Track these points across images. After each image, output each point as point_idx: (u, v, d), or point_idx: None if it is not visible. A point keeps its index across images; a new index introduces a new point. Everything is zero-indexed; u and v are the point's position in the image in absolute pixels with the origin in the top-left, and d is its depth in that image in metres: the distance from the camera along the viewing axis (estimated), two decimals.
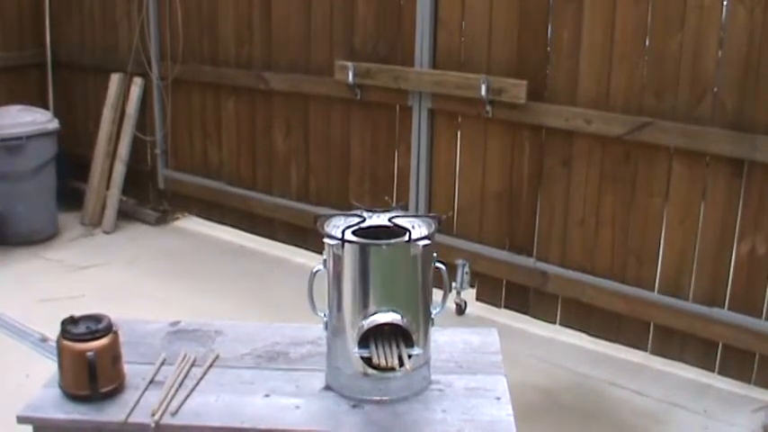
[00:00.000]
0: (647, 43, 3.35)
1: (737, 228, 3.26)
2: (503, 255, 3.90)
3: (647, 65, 3.37)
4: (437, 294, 1.80)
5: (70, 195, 5.42)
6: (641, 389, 3.39)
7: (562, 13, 3.54)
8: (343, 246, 1.67)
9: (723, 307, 3.33)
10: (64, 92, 5.70)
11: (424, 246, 1.69)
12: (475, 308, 4.07)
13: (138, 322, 2.16)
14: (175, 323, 2.15)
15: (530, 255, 3.83)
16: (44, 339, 3.64)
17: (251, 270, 4.63)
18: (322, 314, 1.79)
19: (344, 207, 4.42)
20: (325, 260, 1.73)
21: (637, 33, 3.37)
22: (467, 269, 3.99)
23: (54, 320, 3.80)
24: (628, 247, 3.55)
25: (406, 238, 1.67)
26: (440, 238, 4.08)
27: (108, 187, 5.29)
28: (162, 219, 5.32)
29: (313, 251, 4.57)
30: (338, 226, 1.77)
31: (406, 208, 4.13)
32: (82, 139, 5.56)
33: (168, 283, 4.39)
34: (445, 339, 2.01)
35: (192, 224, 5.31)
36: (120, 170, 5.25)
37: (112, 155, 5.29)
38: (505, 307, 3.99)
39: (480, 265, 3.97)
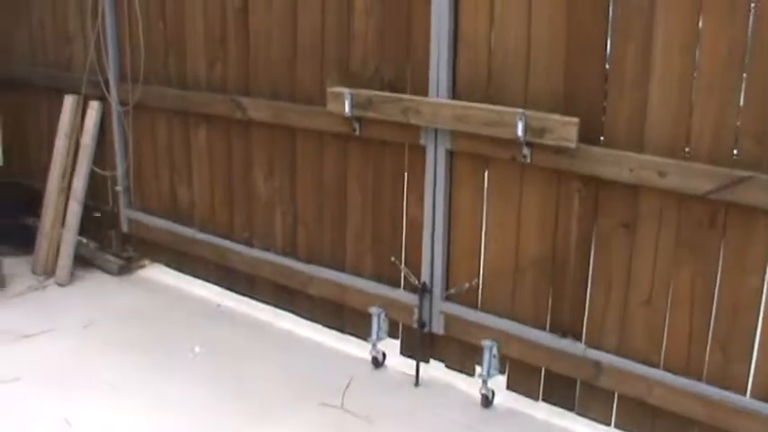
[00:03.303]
0: (744, 71, 2.50)
1: None
2: (542, 337, 3.08)
3: (744, 100, 2.51)
4: None
5: (23, 234, 4.68)
6: None
7: (627, 28, 2.69)
8: None
9: None
10: (13, 114, 4.98)
11: None
12: (505, 398, 3.28)
13: None
14: None
15: (578, 339, 3.03)
16: None
17: (227, 340, 3.80)
18: None
19: (340, 266, 3.63)
20: None
21: (731, 57, 2.51)
22: (495, 352, 3.18)
23: None
24: (710, 337, 2.74)
25: None
26: (462, 312, 3.30)
27: (63, 231, 4.45)
28: (125, 267, 4.52)
29: (300, 316, 3.78)
30: None
31: (424, 288, 3.30)
32: (35, 168, 4.86)
33: (126, 361, 3.58)
34: None
35: (160, 274, 4.49)
36: (75, 211, 4.41)
37: (67, 192, 4.45)
38: (544, 400, 3.17)
39: (513, 348, 3.16)
